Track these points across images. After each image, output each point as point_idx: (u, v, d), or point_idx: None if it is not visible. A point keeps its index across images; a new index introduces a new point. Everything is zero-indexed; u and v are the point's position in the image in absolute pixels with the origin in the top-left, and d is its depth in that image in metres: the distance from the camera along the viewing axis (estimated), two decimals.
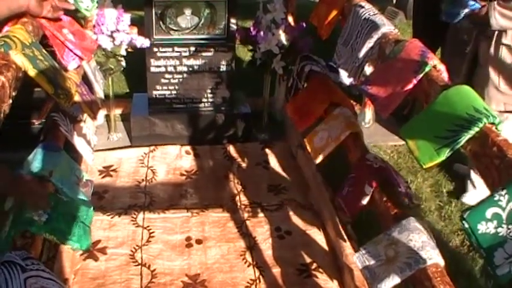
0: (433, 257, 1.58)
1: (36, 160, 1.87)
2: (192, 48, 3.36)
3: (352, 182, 2.16)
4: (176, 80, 3.43)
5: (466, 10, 2.56)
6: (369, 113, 3.77)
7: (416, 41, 1.96)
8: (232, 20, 3.34)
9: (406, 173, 3.29)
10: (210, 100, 3.52)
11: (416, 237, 1.65)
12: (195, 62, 3.41)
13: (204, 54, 3.39)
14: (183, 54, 3.37)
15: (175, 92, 3.46)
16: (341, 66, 2.53)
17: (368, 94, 2.07)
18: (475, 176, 2.97)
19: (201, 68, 3.42)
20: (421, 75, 1.76)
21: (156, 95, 3.45)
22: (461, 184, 3.16)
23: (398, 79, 1.87)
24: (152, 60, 3.36)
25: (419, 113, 1.72)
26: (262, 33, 3.31)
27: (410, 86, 1.80)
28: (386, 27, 2.16)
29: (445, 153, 1.50)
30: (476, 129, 1.43)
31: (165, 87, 3.45)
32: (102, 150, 3.34)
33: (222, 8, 3.30)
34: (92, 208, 2.02)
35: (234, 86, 3.55)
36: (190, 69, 3.41)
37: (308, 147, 2.53)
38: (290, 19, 3.46)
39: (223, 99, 3.52)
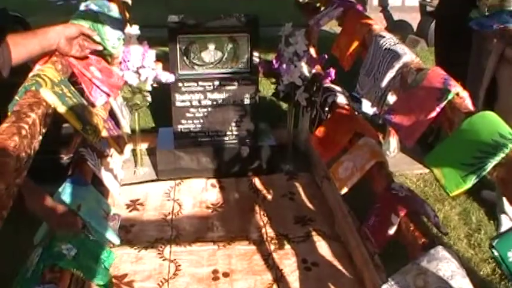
0: (463, 286, 1.55)
1: (64, 194, 1.88)
2: (216, 82, 3.39)
3: (378, 211, 2.13)
4: (201, 114, 3.45)
5: (501, 26, 2.53)
6: (393, 142, 3.74)
7: (438, 69, 1.95)
8: (255, 54, 3.37)
9: (433, 201, 3.24)
10: (235, 133, 3.52)
11: (446, 267, 1.61)
12: (219, 96, 3.43)
13: (228, 87, 3.41)
14: (207, 88, 3.40)
15: (200, 125, 3.48)
16: (364, 96, 2.53)
17: (392, 123, 2.05)
18: (509, 208, 2.90)
19: (225, 102, 3.44)
20: (444, 103, 1.75)
21: (181, 129, 3.48)
22: (490, 211, 3.10)
23: (422, 107, 1.86)
24: (177, 95, 3.39)
25: (443, 140, 1.70)
26: (284, 65, 3.32)
27: (433, 114, 1.78)
28: (408, 56, 2.15)
29: (472, 180, 1.48)
30: (502, 155, 1.41)
31: (190, 121, 3.47)
32: (129, 184, 3.35)
33: (244, 42, 3.33)
34: (120, 241, 2.02)
35: (258, 119, 3.56)
36: (215, 102, 3.44)
37: (333, 178, 2.50)
38: (312, 51, 3.47)
39: (248, 132, 3.53)
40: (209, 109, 3.45)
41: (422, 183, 3.48)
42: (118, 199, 3.00)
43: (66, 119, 1.87)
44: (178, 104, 3.41)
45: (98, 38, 2.11)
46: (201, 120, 3.47)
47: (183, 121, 3.46)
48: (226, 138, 3.53)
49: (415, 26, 6.67)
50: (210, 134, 3.51)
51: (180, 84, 3.36)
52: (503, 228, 2.96)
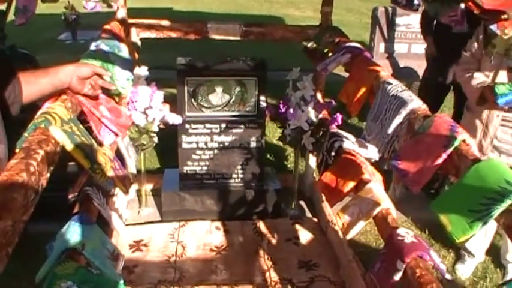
0: None
1: (69, 232, 1.86)
2: (223, 125, 3.40)
3: (384, 257, 2.10)
4: (207, 156, 3.45)
5: None
6: (399, 188, 3.71)
7: (445, 116, 1.95)
8: (262, 98, 3.38)
9: (439, 248, 3.21)
10: (240, 176, 3.51)
11: None
12: (226, 139, 3.43)
13: (234, 130, 3.42)
14: (214, 130, 3.41)
15: (206, 167, 3.48)
16: (371, 142, 2.51)
17: (398, 169, 2.05)
18: None
19: (232, 144, 3.44)
20: (450, 150, 1.75)
21: (187, 171, 3.47)
22: (496, 258, 3.07)
23: (428, 154, 1.86)
24: (184, 137, 3.40)
25: (450, 187, 1.70)
26: (291, 110, 3.32)
27: (440, 160, 1.78)
28: (415, 102, 2.17)
29: (478, 227, 1.47)
30: (509, 201, 1.41)
31: (196, 163, 3.46)
32: (133, 224, 3.34)
33: (252, 86, 3.35)
34: (122, 282, 1.99)
35: (264, 162, 3.56)
36: (221, 145, 3.44)
37: (339, 223, 2.48)
38: (319, 96, 3.50)
39: (253, 175, 3.52)
40: (215, 151, 3.45)
41: (428, 230, 3.44)
42: (122, 239, 2.99)
43: (74, 157, 1.86)
44: (184, 145, 3.42)
45: (108, 78, 2.11)
46: (207, 163, 3.47)
47: (189, 163, 3.46)
48: (231, 181, 3.52)
49: (420, 73, 6.68)
50: (215, 176, 3.51)
51: (187, 126, 3.38)
52: (509, 276, 2.94)
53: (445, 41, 3.93)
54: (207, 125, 3.40)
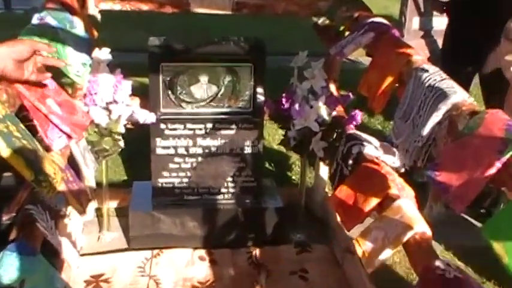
0: None
1: (3, 266, 1.82)
2: (209, 125, 3.39)
3: None
4: (188, 165, 3.45)
5: None
6: (437, 206, 3.66)
7: (499, 112, 1.93)
8: (259, 90, 3.37)
9: (493, 286, 3.21)
10: (231, 190, 3.52)
11: None
12: (213, 143, 3.43)
13: (223, 132, 3.42)
14: (198, 132, 3.40)
15: (186, 179, 3.47)
16: (399, 147, 2.51)
17: (436, 182, 2.03)
18: None
19: (220, 150, 3.44)
20: (507, 157, 1.73)
21: (162, 184, 3.46)
22: None
23: (477, 162, 1.84)
24: (158, 140, 3.38)
25: (506, 205, 1.69)
26: (297, 105, 3.32)
27: (492, 170, 1.76)
28: (458, 95, 2.15)
29: None
30: None
31: (174, 174, 3.46)
32: (91, 254, 3.30)
33: (246, 75, 3.34)
34: None
35: (262, 173, 3.58)
36: (207, 151, 3.43)
37: (358, 252, 2.46)
38: (332, 88, 3.47)
39: (248, 190, 3.53)
40: (199, 159, 3.44)
41: (475, 261, 3.41)
42: (76, 273, 2.95)
43: (12, 166, 1.83)
44: (159, 151, 3.40)
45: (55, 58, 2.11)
46: (189, 173, 3.47)
47: (165, 173, 3.45)
48: (220, 197, 3.52)
49: None
50: (199, 191, 3.51)
51: (162, 126, 3.36)
52: None
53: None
54: (189, 125, 3.39)
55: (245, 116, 3.43)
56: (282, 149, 3.75)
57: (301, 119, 3.31)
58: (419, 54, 2.59)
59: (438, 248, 3.41)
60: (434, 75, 2.34)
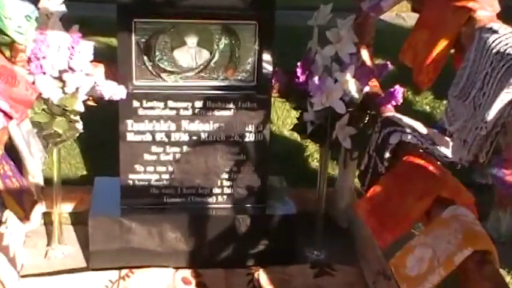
0: None
1: None
2: (198, 104, 3.32)
3: None
4: (169, 157, 3.38)
5: None
6: (505, 216, 3.60)
7: None
8: (266, 57, 3.33)
9: None
10: (227, 191, 3.49)
11: None
12: (203, 127, 3.36)
13: (217, 113, 3.37)
14: (183, 112, 3.33)
15: (167, 176, 3.42)
16: (455, 136, 2.48)
17: (504, 183, 2.10)
18: None
19: (213, 137, 3.39)
20: None
21: (134, 181, 3.40)
22: None
23: None
24: (129, 122, 3.29)
25: None
26: (316, 79, 3.24)
27: None
28: None
29: None
30: None
31: (150, 168, 3.39)
32: (36, 275, 3.25)
33: (249, 36, 3.30)
34: None
35: (268, 169, 3.58)
36: (195, 138, 3.37)
37: (396, 276, 2.42)
38: (365, 55, 3.37)
39: (250, 190, 3.51)
40: (184, 149, 3.37)
41: None
42: None
43: None
44: (131, 137, 3.31)
45: None
46: (170, 168, 3.41)
47: (139, 168, 3.37)
48: (211, 200, 3.49)
49: None
50: (184, 192, 3.45)
51: (135, 103, 3.28)
52: None
53: None
54: (171, 103, 3.31)
55: (247, 92, 3.38)
56: (296, 136, 3.85)
57: (322, 97, 3.23)
58: (485, 8, 2.52)
59: (508, 274, 3.46)
60: (506, 38, 2.28)
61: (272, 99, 3.48)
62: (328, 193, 3.70)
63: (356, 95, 3.24)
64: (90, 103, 3.21)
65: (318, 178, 3.55)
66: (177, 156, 3.39)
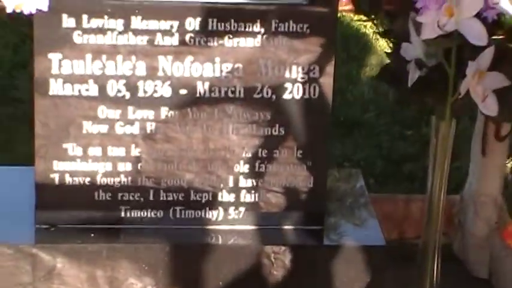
0: None
1: None
2: (192, 23, 2.97)
3: None
4: (134, 127, 3.06)
5: None
6: None
7: None
8: None
9: None
10: (247, 199, 3.12)
11: None
12: (200, 70, 3.02)
13: (229, 42, 3.00)
14: (161, 40, 2.99)
15: (128, 166, 3.08)
16: None
17: None
18: None
19: (220, 90, 3.03)
20: None
21: (62, 176, 3.07)
22: None
23: None
24: (55, 60, 2.96)
25: None
26: None
27: None
28: None
29: None
30: None
31: (93, 150, 3.05)
32: None
33: None
34: None
35: (330, 154, 3.41)
36: (183, 90, 3.03)
37: None
38: None
39: (292, 197, 3.13)
40: (163, 112, 3.06)
41: None
42: None
43: None
44: (56, 88, 2.97)
45: None
46: (134, 150, 3.06)
47: (71, 149, 3.04)
48: (215, 214, 3.12)
49: None
50: (161, 197, 3.11)
51: (67, 21, 2.93)
52: None
53: None
54: (138, 21, 2.96)
55: (289, 1, 3.02)
56: (381, 92, 4.14)
57: (440, 12, 2.73)
58: None
59: None
60: None
61: (340, 15, 3.12)
62: (449, 207, 3.40)
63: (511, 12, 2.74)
64: None
65: (429, 177, 3.01)
66: (149, 126, 3.02)
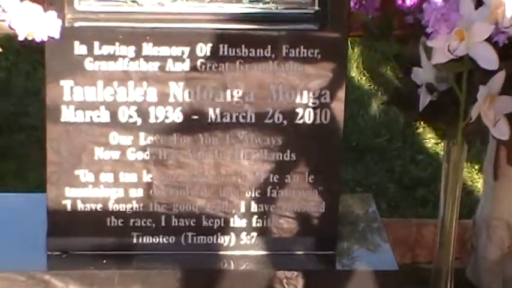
0: None
1: None
2: (203, 49, 2.96)
3: None
4: (145, 153, 3.03)
5: None
6: None
7: None
8: None
9: None
10: (258, 224, 3.12)
11: None
12: (211, 96, 3.00)
13: (241, 68, 3.00)
14: (172, 66, 2.97)
15: (139, 192, 3.06)
16: None
17: None
18: None
19: (231, 115, 3.04)
20: None
21: (74, 203, 3.04)
22: None
23: None
24: (67, 86, 2.94)
25: None
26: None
27: None
28: None
29: None
30: None
31: (105, 177, 3.03)
32: None
33: None
34: None
35: (342, 179, 3.39)
36: (195, 116, 3.01)
37: None
38: None
39: (304, 222, 3.13)
40: (174, 138, 3.03)
41: None
42: None
43: None
44: (68, 115, 2.97)
45: None
46: (145, 176, 3.06)
47: (83, 175, 3.03)
48: (227, 240, 3.13)
49: None
50: (172, 223, 3.09)
51: (79, 48, 2.92)
52: None
53: None
54: (149, 48, 2.95)
55: (300, 27, 3.01)
56: (392, 116, 4.03)
57: (450, 36, 2.80)
58: None
59: None
60: None
61: (350, 40, 3.23)
62: (461, 231, 3.40)
63: None
64: None
65: (441, 202, 3.08)
66: (161, 152, 3.01)
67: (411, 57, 3.05)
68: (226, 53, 2.94)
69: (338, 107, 3.03)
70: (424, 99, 2.93)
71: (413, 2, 2.98)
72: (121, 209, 3.04)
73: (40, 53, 3.14)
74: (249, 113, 3.01)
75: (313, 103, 3.03)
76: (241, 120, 3.01)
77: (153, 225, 3.08)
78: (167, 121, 3.00)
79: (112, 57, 2.93)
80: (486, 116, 2.80)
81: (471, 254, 3.59)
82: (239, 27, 2.96)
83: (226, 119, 2.98)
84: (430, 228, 3.55)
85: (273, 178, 3.06)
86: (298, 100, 2.99)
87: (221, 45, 2.93)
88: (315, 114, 3.01)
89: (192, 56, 2.94)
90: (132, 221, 3.06)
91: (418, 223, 3.73)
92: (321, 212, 3.11)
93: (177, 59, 2.93)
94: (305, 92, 2.97)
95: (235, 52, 2.93)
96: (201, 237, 3.08)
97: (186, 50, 2.91)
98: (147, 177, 3.03)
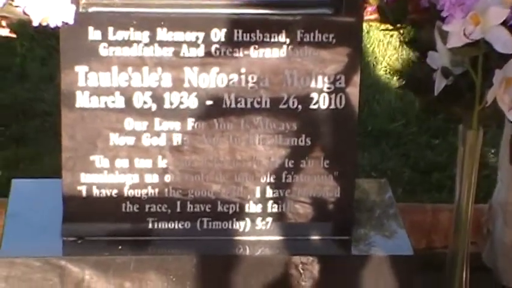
0: None
1: None
2: (218, 34, 2.94)
3: None
4: (160, 139, 3.03)
5: None
6: None
7: None
8: None
9: None
10: (274, 209, 3.10)
11: None
12: (226, 81, 2.99)
13: (255, 53, 2.98)
14: (187, 51, 2.94)
15: (155, 178, 3.05)
16: None
17: None
18: None
19: (246, 101, 3.01)
20: None
21: (89, 189, 3.05)
22: None
23: None
24: (81, 72, 2.90)
25: None
26: None
27: None
28: None
29: None
30: None
31: (120, 163, 3.02)
32: None
33: None
34: None
35: (357, 164, 3.45)
36: (209, 101, 2.99)
37: None
38: None
39: (319, 207, 3.11)
40: (189, 123, 3.03)
41: None
42: None
43: None
44: (82, 101, 2.94)
45: None
46: (161, 162, 3.03)
47: (98, 161, 3.01)
48: (242, 225, 3.11)
49: None
50: (188, 209, 3.08)
51: (93, 33, 2.91)
52: None
53: None
54: (164, 33, 2.94)
55: (315, 11, 2.96)
56: (408, 101, 4.04)
57: (465, 20, 2.73)
58: None
59: None
60: None
61: (365, 25, 3.21)
62: (477, 216, 3.36)
63: None
64: (3, 32, 2.83)
65: (457, 186, 3.03)
66: (176, 138, 2.99)
67: (427, 42, 2.96)
68: (240, 38, 2.93)
69: (353, 92, 3.02)
70: (440, 83, 2.87)
71: None
72: (136, 195, 3.04)
73: (55, 38, 3.16)
74: (264, 98, 2.99)
75: (328, 88, 3.01)
76: (256, 105, 3.00)
77: (169, 210, 3.07)
78: (182, 106, 2.98)
79: (126, 43, 2.93)
80: (502, 100, 2.77)
81: (487, 238, 3.58)
82: (254, 12, 2.93)
83: (241, 104, 2.98)
84: (445, 213, 3.52)
85: (288, 163, 3.05)
86: (313, 85, 2.98)
87: (236, 31, 2.92)
88: (330, 99, 2.99)
89: (207, 41, 2.92)
90: (147, 206, 3.05)
91: (433, 208, 3.74)
92: (336, 197, 3.10)
93: (192, 44, 2.92)
94: (320, 77, 2.95)
95: (250, 37, 2.92)
96: (217, 222, 3.07)
97: (201, 35, 2.90)
98: (162, 163, 3.03)
